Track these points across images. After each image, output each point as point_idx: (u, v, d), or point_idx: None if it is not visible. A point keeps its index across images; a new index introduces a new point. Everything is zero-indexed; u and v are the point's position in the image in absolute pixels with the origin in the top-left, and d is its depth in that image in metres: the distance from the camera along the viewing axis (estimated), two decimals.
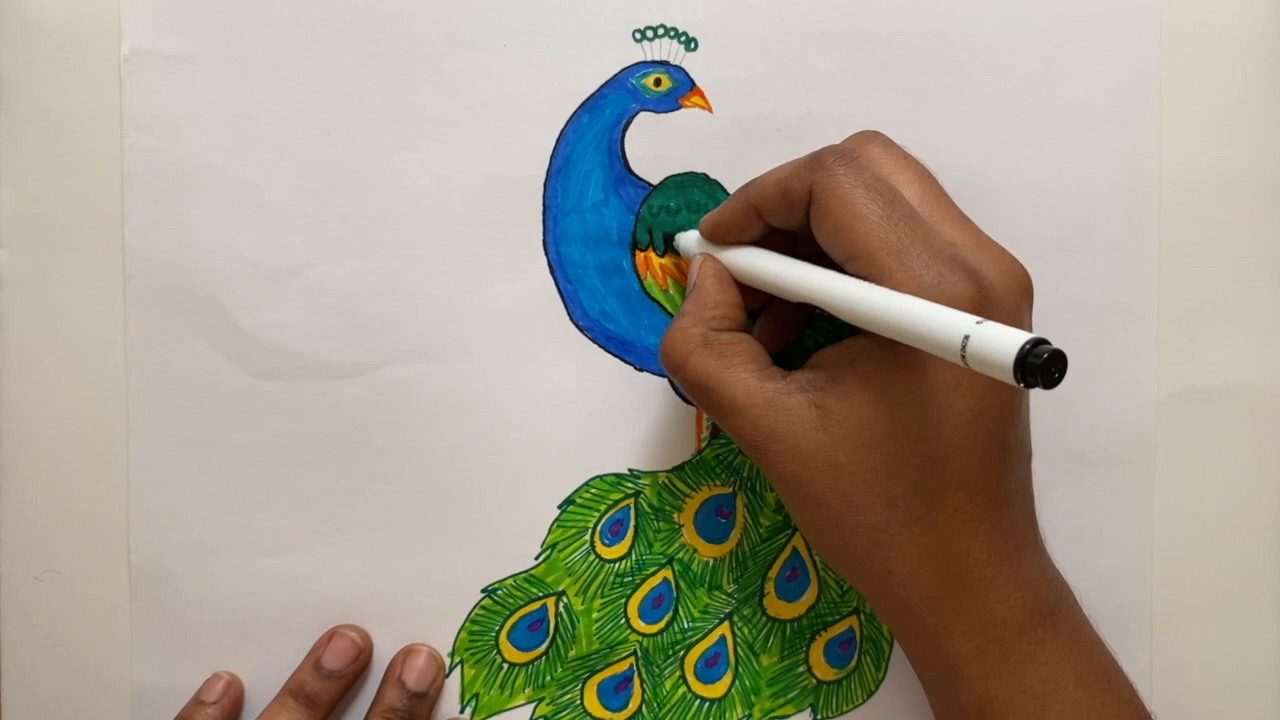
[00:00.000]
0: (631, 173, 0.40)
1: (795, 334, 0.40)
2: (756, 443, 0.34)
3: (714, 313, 0.36)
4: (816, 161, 0.34)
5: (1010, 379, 0.27)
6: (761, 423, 0.34)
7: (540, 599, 0.41)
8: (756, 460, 0.35)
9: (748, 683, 0.41)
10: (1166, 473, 0.41)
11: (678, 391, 0.40)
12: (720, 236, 0.37)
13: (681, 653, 0.41)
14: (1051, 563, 0.36)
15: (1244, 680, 0.41)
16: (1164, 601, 0.38)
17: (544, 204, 0.40)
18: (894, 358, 0.33)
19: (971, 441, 0.33)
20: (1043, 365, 0.26)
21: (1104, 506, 0.41)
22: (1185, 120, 0.41)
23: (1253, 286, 0.41)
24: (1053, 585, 0.35)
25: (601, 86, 0.40)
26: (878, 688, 0.41)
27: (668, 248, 0.40)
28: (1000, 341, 0.27)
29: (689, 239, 0.39)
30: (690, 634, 0.41)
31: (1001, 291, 0.33)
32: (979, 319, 0.28)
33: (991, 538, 0.34)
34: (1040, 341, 0.26)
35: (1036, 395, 0.39)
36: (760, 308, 0.39)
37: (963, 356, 0.28)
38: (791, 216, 0.35)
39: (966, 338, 0.28)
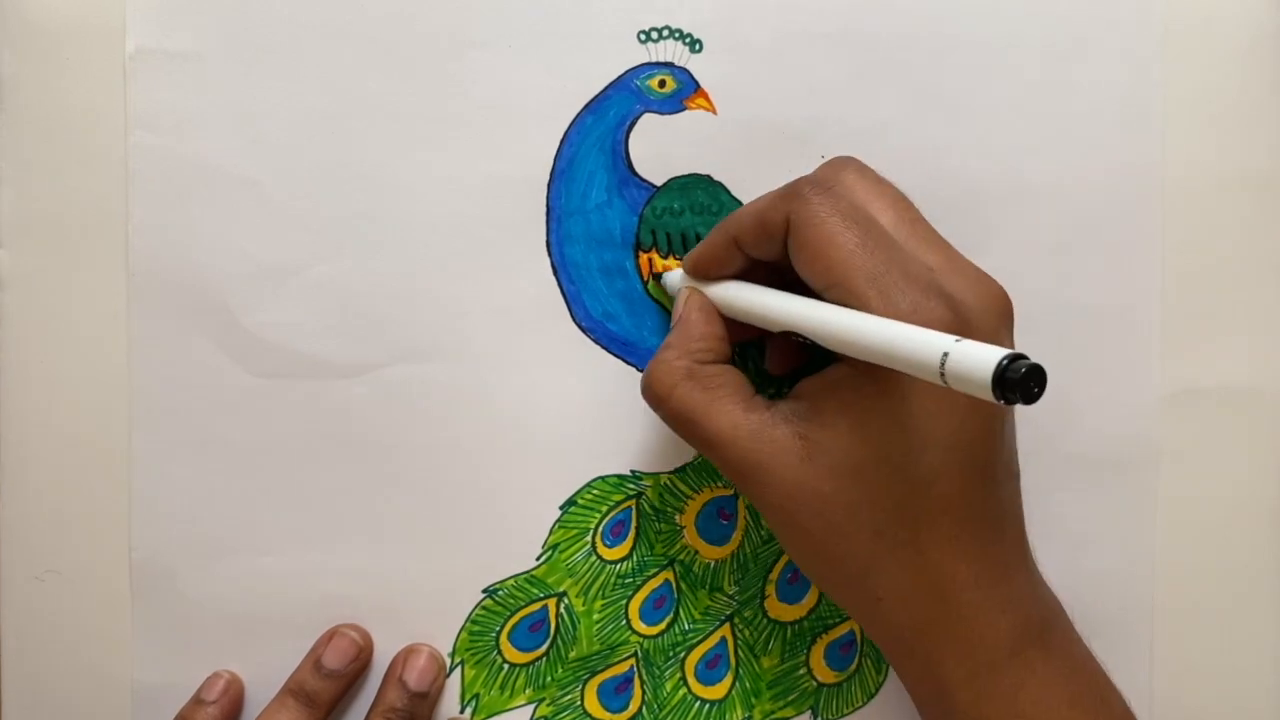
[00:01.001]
0: (635, 174, 0.40)
1: (802, 359, 0.39)
2: (743, 473, 0.34)
3: (699, 345, 0.36)
4: (792, 191, 0.34)
5: (989, 395, 0.27)
6: (747, 455, 0.34)
7: (541, 600, 0.41)
8: (743, 491, 0.35)
9: (748, 684, 0.41)
10: (1168, 474, 0.41)
11: None
12: (703, 271, 0.38)
13: (682, 654, 0.41)
14: (1044, 582, 0.36)
15: (1244, 681, 0.41)
16: (1165, 603, 0.38)
17: (547, 205, 0.40)
18: (873, 385, 0.33)
19: (954, 466, 0.33)
20: (1021, 380, 0.26)
21: (1106, 508, 0.41)
22: (1188, 121, 0.41)
23: (1255, 287, 0.41)
24: (1044, 606, 0.35)
25: (606, 87, 0.40)
26: (878, 690, 0.41)
27: (671, 249, 0.40)
28: (978, 358, 0.27)
29: (674, 277, 0.39)
30: (691, 635, 0.41)
31: (979, 315, 0.33)
32: (957, 338, 0.28)
33: (979, 561, 0.34)
34: (1018, 357, 0.26)
35: (1040, 401, 0.39)
36: (748, 340, 0.39)
37: (942, 375, 0.28)
38: (770, 247, 0.35)
39: (945, 355, 0.28)
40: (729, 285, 0.37)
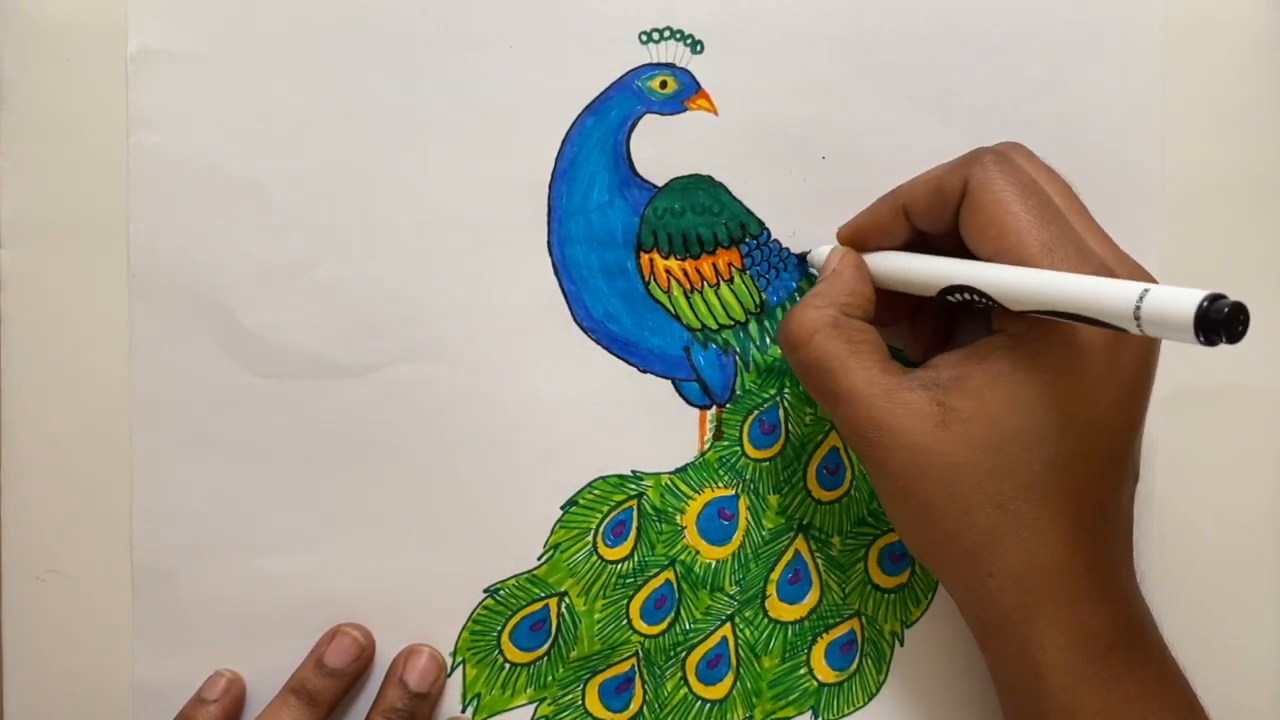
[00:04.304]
0: (636, 175, 0.40)
1: (943, 345, 0.39)
2: (869, 435, 0.34)
3: (847, 298, 0.36)
4: (973, 159, 0.34)
5: (1190, 337, 0.26)
6: (878, 413, 0.34)
7: (542, 599, 0.41)
8: (864, 453, 0.34)
9: (749, 684, 0.41)
10: (1167, 473, 0.41)
11: (681, 393, 0.40)
12: (861, 240, 0.37)
13: (683, 654, 0.41)
14: (1138, 587, 0.36)
15: (1244, 680, 0.41)
16: (1164, 602, 0.38)
17: (549, 205, 0.40)
18: (1030, 358, 0.33)
19: (1092, 452, 0.33)
20: (1226, 319, 0.25)
21: None
22: (1188, 121, 0.41)
23: (1255, 287, 0.41)
24: (1142, 609, 0.36)
25: (607, 88, 0.40)
26: (879, 690, 0.41)
27: (672, 249, 0.40)
28: (1178, 298, 0.26)
29: (822, 252, 0.39)
30: (692, 635, 0.41)
31: None
32: (1145, 285, 0.27)
33: (1094, 551, 0.34)
34: (1219, 296, 0.25)
35: None
36: (887, 327, 0.39)
37: (1137, 318, 0.27)
38: (942, 215, 0.35)
39: (1144, 293, 0.27)
40: (888, 254, 0.37)
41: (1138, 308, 0.27)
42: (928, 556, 0.36)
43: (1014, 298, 0.32)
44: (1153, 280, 0.34)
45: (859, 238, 0.38)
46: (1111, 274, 0.33)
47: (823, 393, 0.35)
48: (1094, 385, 0.33)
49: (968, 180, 0.34)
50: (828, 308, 0.35)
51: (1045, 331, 0.33)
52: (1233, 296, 0.27)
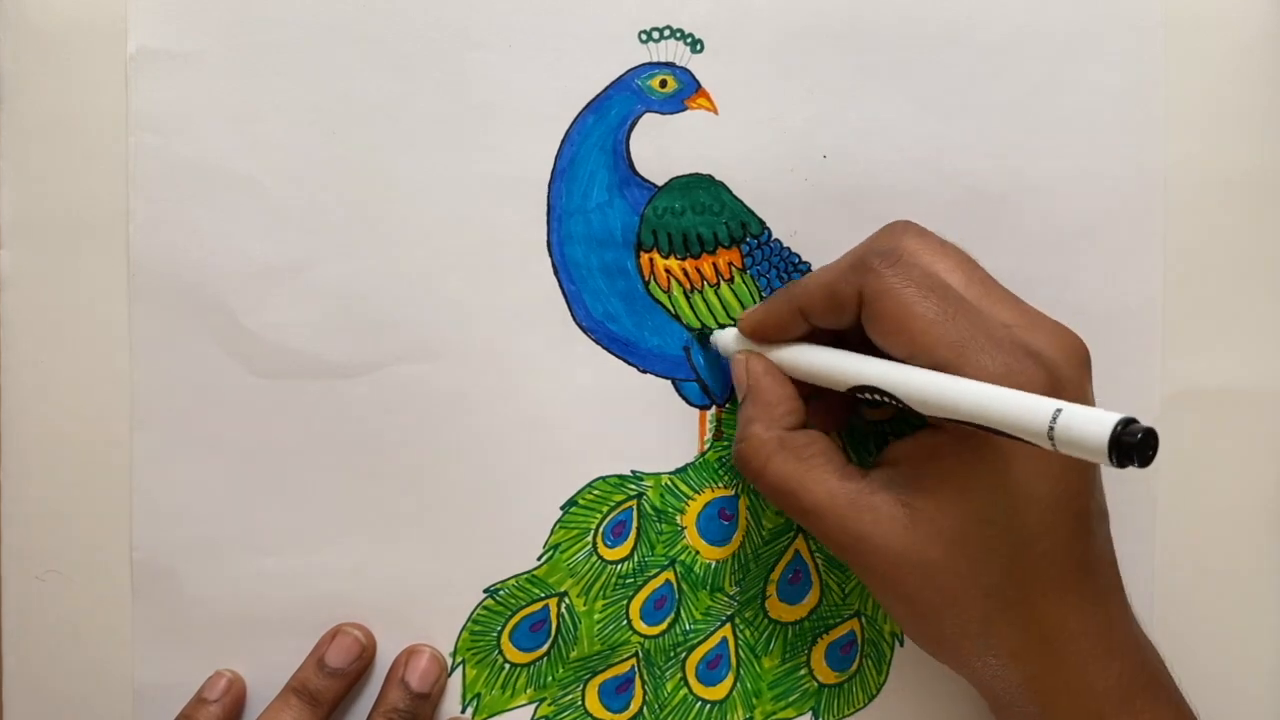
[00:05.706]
0: (636, 174, 0.40)
1: (845, 421, 0.40)
2: (844, 544, 0.34)
3: (781, 410, 0.36)
4: (861, 264, 0.34)
5: (1104, 460, 0.26)
6: (847, 524, 0.34)
7: (542, 600, 0.41)
8: (846, 560, 0.35)
9: (749, 685, 0.41)
10: (1169, 473, 0.41)
11: (681, 393, 0.40)
12: (763, 335, 0.38)
13: (683, 654, 0.41)
14: (1142, 630, 0.36)
15: (1245, 680, 0.41)
16: (1164, 602, 0.38)
17: (548, 205, 0.40)
18: (974, 451, 0.33)
19: (1056, 522, 0.33)
20: (1138, 444, 0.26)
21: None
22: (1190, 122, 0.41)
23: (1256, 287, 0.41)
24: (1148, 654, 0.35)
25: (607, 87, 0.40)
26: (879, 691, 0.41)
27: (672, 249, 0.40)
28: (1091, 422, 0.27)
29: (727, 336, 0.39)
30: (692, 636, 0.41)
31: (1066, 369, 0.33)
32: (1060, 404, 0.28)
33: (1085, 610, 0.34)
34: (1130, 421, 0.26)
35: None
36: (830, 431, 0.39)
37: (1051, 440, 0.28)
38: (840, 319, 0.35)
39: (1057, 413, 0.28)
40: (795, 349, 0.37)
41: (1051, 429, 0.28)
42: (930, 649, 0.36)
43: (926, 405, 0.32)
44: (1066, 331, 0.34)
45: (760, 332, 0.38)
46: (1026, 349, 0.32)
47: (792, 512, 0.36)
48: (1040, 463, 0.33)
49: (862, 290, 0.34)
50: (769, 430, 0.36)
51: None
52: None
